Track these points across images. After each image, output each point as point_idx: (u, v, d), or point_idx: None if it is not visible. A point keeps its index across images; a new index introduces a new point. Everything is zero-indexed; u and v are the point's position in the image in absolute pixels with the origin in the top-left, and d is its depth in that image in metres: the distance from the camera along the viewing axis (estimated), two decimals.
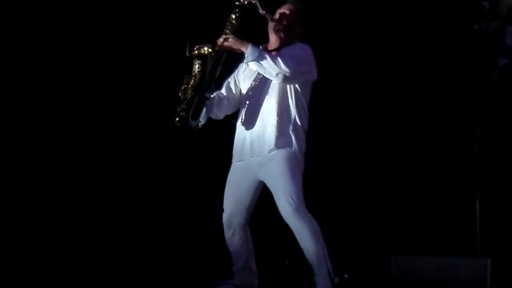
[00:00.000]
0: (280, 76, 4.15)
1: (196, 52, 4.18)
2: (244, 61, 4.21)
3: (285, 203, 4.16)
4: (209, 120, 4.32)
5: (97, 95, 5.56)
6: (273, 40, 4.38)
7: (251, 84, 4.37)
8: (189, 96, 4.17)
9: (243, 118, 4.34)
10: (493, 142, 4.73)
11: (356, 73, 5.60)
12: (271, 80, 4.24)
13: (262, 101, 4.30)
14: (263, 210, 4.44)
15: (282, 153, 4.23)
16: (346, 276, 4.22)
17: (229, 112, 4.44)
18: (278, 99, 4.26)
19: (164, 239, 5.47)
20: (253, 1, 4.24)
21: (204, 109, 4.23)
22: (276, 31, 4.34)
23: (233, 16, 4.28)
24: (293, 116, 4.27)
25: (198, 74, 4.19)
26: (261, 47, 4.28)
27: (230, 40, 4.21)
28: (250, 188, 4.33)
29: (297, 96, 4.29)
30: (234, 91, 4.45)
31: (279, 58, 4.14)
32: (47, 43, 5.47)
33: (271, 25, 4.35)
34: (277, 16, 4.36)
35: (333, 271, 4.14)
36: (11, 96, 5.40)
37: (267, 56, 4.15)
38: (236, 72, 4.48)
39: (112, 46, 5.56)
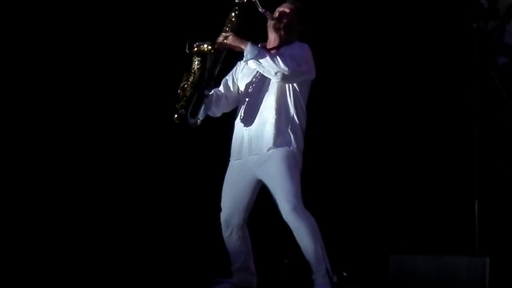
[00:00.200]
0: (279, 75, 4.15)
1: (195, 49, 4.18)
2: (243, 60, 4.20)
3: (284, 201, 4.16)
4: (207, 118, 4.31)
5: (95, 92, 5.55)
6: (272, 39, 4.37)
7: (250, 83, 4.36)
8: (188, 94, 4.17)
9: (242, 116, 4.34)
10: (492, 142, 4.74)
11: (355, 72, 5.59)
12: (270, 79, 4.24)
13: (261, 100, 4.29)
14: (261, 209, 4.44)
15: (280, 152, 4.22)
16: (344, 274, 4.22)
17: (227, 110, 4.44)
18: (277, 97, 4.26)
19: (162, 239, 5.46)
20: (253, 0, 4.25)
21: (203, 107, 4.23)
22: (275, 30, 4.34)
23: (233, 14, 4.28)
24: (292, 115, 4.27)
25: (198, 72, 4.19)
26: (259, 46, 4.28)
27: (229, 38, 4.20)
28: (248, 187, 4.33)
29: (296, 95, 4.29)
30: (232, 89, 4.44)
31: (278, 57, 4.13)
32: (44, 40, 5.46)
33: (270, 23, 4.34)
34: (276, 14, 4.35)
35: (331, 270, 4.14)
36: (11, 96, 5.38)
37: (266, 54, 4.15)
38: (234, 70, 4.47)
39: (111, 43, 5.55)
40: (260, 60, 4.14)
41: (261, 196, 4.38)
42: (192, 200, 5.51)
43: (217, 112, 4.39)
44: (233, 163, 4.37)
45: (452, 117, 5.26)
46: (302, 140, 4.30)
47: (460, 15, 4.81)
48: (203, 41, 4.18)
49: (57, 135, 5.48)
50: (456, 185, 5.13)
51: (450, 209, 5.21)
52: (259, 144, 4.26)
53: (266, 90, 4.29)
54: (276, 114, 4.24)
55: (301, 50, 4.29)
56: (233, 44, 4.20)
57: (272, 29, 4.35)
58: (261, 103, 4.29)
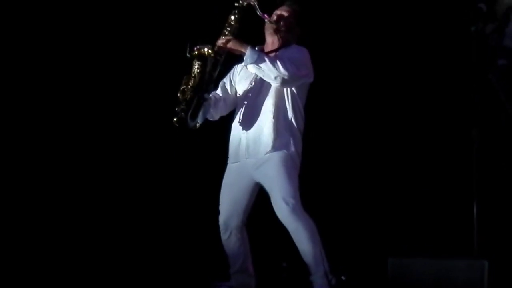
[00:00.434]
0: (279, 79, 4.15)
1: (196, 52, 4.19)
2: (243, 64, 4.20)
3: (282, 204, 4.16)
4: (205, 121, 4.31)
5: (96, 95, 5.56)
6: (270, 42, 4.37)
7: (248, 86, 4.36)
8: (188, 97, 4.17)
9: (239, 119, 4.34)
10: (490, 144, 4.74)
11: (353, 75, 5.60)
12: (268, 82, 4.24)
13: (259, 103, 4.29)
14: (259, 211, 4.44)
15: (278, 155, 4.22)
16: (343, 278, 4.22)
17: (225, 113, 4.44)
18: (275, 100, 4.26)
19: (160, 241, 5.46)
20: (252, 3, 4.24)
21: (202, 110, 4.23)
22: (274, 33, 4.34)
23: (232, 18, 4.28)
24: (290, 118, 4.27)
25: (198, 75, 4.19)
26: (257, 48, 4.28)
27: (230, 41, 4.21)
28: (246, 190, 4.33)
29: (294, 97, 4.29)
30: (229, 92, 4.44)
31: (278, 61, 4.13)
32: (46, 43, 5.47)
33: (268, 26, 4.34)
34: (274, 17, 4.35)
35: (330, 272, 4.13)
36: (10, 96, 5.38)
37: (266, 59, 4.15)
38: (231, 72, 4.47)
39: (111, 46, 5.56)
40: (260, 65, 4.14)
41: (259, 198, 4.38)
42: (190, 202, 5.51)
43: (215, 115, 4.40)
44: (231, 166, 4.37)
45: (451, 119, 5.26)
46: (300, 143, 4.30)
47: (458, 18, 4.82)
48: (203, 44, 4.19)
49: (59, 137, 5.49)
50: (454, 187, 5.14)
51: (448, 212, 5.21)
52: (256, 147, 4.26)
53: (264, 93, 4.28)
54: (274, 117, 4.24)
55: (300, 53, 4.29)
56: (233, 47, 4.20)
57: (270, 32, 4.34)
58: (259, 106, 4.29)
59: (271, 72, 4.13)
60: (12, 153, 5.37)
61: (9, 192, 5.31)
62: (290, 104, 4.28)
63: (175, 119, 4.17)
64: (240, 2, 4.28)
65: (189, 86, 4.18)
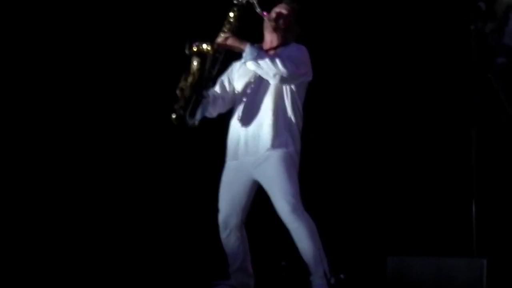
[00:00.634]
0: (278, 77, 4.15)
1: (195, 49, 4.18)
2: (242, 61, 4.20)
3: (283, 203, 4.15)
4: (203, 119, 4.31)
5: (94, 93, 5.54)
6: (268, 40, 4.36)
7: (246, 84, 4.35)
8: (187, 94, 4.17)
9: (238, 117, 4.33)
10: (490, 143, 4.74)
11: (352, 74, 5.59)
12: (267, 80, 4.23)
13: (258, 101, 4.29)
14: (258, 210, 4.43)
15: (277, 153, 4.22)
16: (342, 276, 4.21)
17: (223, 111, 4.43)
18: (274, 99, 4.25)
19: (159, 240, 5.45)
20: (251, 0, 4.24)
21: (201, 107, 4.23)
22: (273, 31, 4.33)
23: (231, 15, 4.27)
24: (289, 116, 4.26)
25: (197, 72, 4.19)
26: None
27: (229, 38, 4.21)
28: (245, 188, 4.32)
29: (293, 96, 4.28)
30: (228, 90, 4.43)
31: (277, 59, 4.12)
32: (43, 40, 5.45)
33: (267, 24, 4.33)
34: (273, 15, 4.34)
35: (329, 271, 4.13)
36: (9, 96, 5.38)
37: (265, 56, 4.14)
38: (229, 70, 4.45)
39: (109, 43, 5.54)
40: (259, 62, 4.13)
41: (258, 197, 4.37)
42: (189, 201, 5.51)
43: (213, 112, 4.39)
44: (229, 164, 4.37)
45: (450, 118, 5.26)
46: (299, 141, 4.29)
47: (457, 17, 4.82)
48: (202, 41, 4.19)
49: (56, 135, 5.47)
50: (453, 186, 5.13)
51: (447, 211, 5.21)
52: (255, 145, 4.25)
53: (263, 91, 4.28)
54: (273, 115, 4.24)
55: (299, 52, 4.29)
56: (232, 44, 4.20)
57: (269, 30, 4.33)
58: (258, 104, 4.28)
59: (270, 70, 4.13)
60: (10, 153, 5.36)
61: (9, 192, 5.30)
62: (289, 102, 4.27)
63: (173, 117, 4.17)
64: None
65: (188, 84, 4.18)
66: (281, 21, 4.33)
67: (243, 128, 4.29)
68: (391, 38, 5.49)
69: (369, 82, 5.56)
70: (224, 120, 4.43)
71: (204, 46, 4.18)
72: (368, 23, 5.53)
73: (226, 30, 4.24)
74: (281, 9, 4.35)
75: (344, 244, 5.20)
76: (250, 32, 4.30)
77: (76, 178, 5.48)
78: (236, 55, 4.25)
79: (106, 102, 5.55)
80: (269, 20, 4.31)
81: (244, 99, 4.34)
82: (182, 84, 4.19)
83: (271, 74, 4.14)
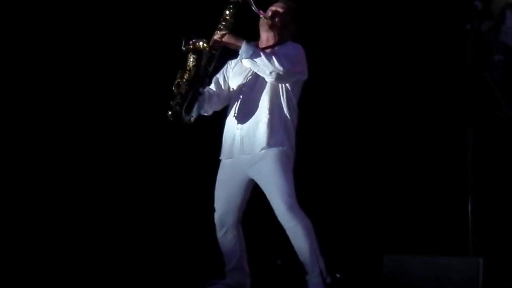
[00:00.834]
0: (274, 74, 4.14)
1: (191, 46, 4.18)
2: (238, 58, 4.19)
3: (279, 201, 4.15)
4: (198, 117, 4.30)
5: (90, 90, 5.53)
6: (264, 38, 4.36)
7: (242, 82, 4.35)
8: (183, 91, 4.16)
9: (234, 115, 4.32)
10: (485, 142, 4.74)
11: (348, 73, 5.59)
12: (262, 78, 4.23)
13: (253, 99, 4.28)
14: (254, 209, 4.43)
15: (273, 152, 4.22)
16: (338, 275, 4.22)
17: (218, 108, 4.43)
18: (270, 97, 4.25)
19: (155, 239, 5.44)
20: None
21: (196, 104, 4.23)
22: (269, 29, 4.33)
23: (228, 12, 4.27)
24: (285, 114, 4.26)
25: (193, 69, 4.19)
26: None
27: (225, 36, 4.20)
28: (241, 186, 4.32)
29: (288, 94, 4.28)
30: (223, 87, 4.43)
31: (273, 57, 4.12)
32: (39, 39, 5.44)
33: (263, 22, 4.33)
34: (269, 13, 4.33)
35: (325, 270, 4.13)
36: (7, 95, 5.37)
37: (261, 54, 4.14)
38: (225, 68, 4.46)
39: (105, 41, 5.53)
40: (255, 59, 4.13)
41: (253, 196, 4.37)
42: (185, 200, 5.50)
43: (209, 110, 4.38)
44: (224, 162, 4.36)
45: (446, 117, 5.26)
46: (294, 139, 4.29)
47: (453, 16, 4.82)
48: (198, 38, 4.18)
49: (52, 134, 5.46)
50: (449, 185, 5.14)
51: (443, 210, 5.22)
52: (251, 144, 4.25)
53: (259, 90, 4.27)
54: (269, 113, 4.23)
55: (295, 50, 4.29)
56: (229, 41, 4.19)
57: (265, 28, 4.33)
58: (253, 102, 4.28)
59: (266, 67, 4.13)
60: (8, 152, 5.35)
61: (6, 192, 5.29)
62: (285, 101, 4.27)
63: (169, 113, 4.16)
64: None
65: (184, 80, 4.18)
66: (277, 19, 4.33)
67: (239, 126, 4.28)
68: (387, 37, 5.50)
69: (365, 80, 5.56)
70: (219, 118, 4.42)
71: (201, 43, 4.18)
72: (364, 22, 5.53)
73: (222, 28, 4.24)
74: (277, 7, 4.35)
75: (340, 243, 5.20)
76: (246, 30, 4.30)
77: (72, 177, 5.47)
78: (233, 53, 4.24)
79: (102, 100, 5.54)
80: (265, 18, 4.31)
81: (240, 97, 4.33)
82: (178, 80, 4.19)
83: (267, 72, 4.14)
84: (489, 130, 4.82)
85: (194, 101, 4.19)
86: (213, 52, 4.20)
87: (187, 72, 4.19)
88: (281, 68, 4.12)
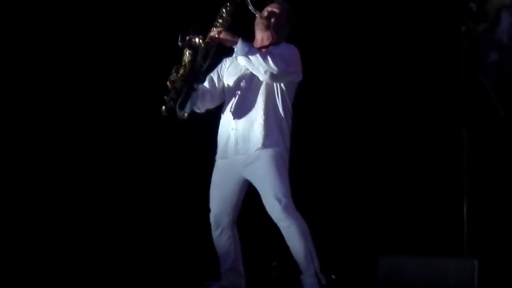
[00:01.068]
0: (268, 73, 4.14)
1: (187, 42, 4.18)
2: (234, 55, 4.20)
3: (274, 202, 4.15)
4: (193, 116, 4.30)
5: (85, 89, 5.52)
6: (259, 38, 4.37)
7: (236, 81, 4.35)
8: (178, 86, 4.16)
9: (228, 115, 4.32)
10: (480, 144, 4.74)
11: (342, 75, 5.59)
12: (257, 79, 4.23)
13: (248, 99, 4.29)
14: (249, 210, 4.42)
15: (268, 153, 4.22)
16: (333, 276, 4.21)
17: (211, 106, 4.43)
18: (265, 98, 4.25)
19: (150, 240, 5.44)
20: None
21: (190, 100, 4.22)
22: (264, 29, 4.33)
23: (224, 10, 4.27)
24: (280, 115, 4.27)
25: (188, 64, 4.19)
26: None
27: (222, 33, 4.20)
28: (235, 187, 4.32)
29: (283, 95, 4.28)
30: (217, 86, 4.43)
31: (268, 56, 4.13)
32: (35, 37, 5.44)
33: (258, 22, 4.34)
34: (265, 14, 4.34)
35: (320, 271, 4.13)
36: (6, 95, 5.37)
37: (257, 52, 4.15)
38: (219, 66, 4.46)
39: (102, 39, 5.52)
40: (250, 57, 4.13)
41: (249, 197, 4.36)
42: (180, 201, 5.49)
43: (202, 107, 4.38)
44: (219, 162, 4.36)
45: (441, 119, 5.26)
46: (289, 140, 4.30)
47: (448, 17, 4.82)
48: (194, 34, 4.18)
49: (48, 133, 5.45)
50: (444, 186, 5.14)
51: (438, 211, 5.22)
52: (246, 145, 4.25)
53: (253, 90, 4.28)
54: (264, 114, 4.23)
55: (290, 51, 4.29)
56: (225, 38, 4.19)
57: (260, 28, 4.34)
58: (248, 102, 4.28)
59: (261, 66, 4.13)
60: (6, 152, 5.35)
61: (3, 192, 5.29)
62: (280, 102, 4.27)
63: (163, 108, 4.16)
64: None
65: (179, 75, 4.18)
66: (273, 20, 4.34)
67: (233, 127, 4.29)
68: (382, 39, 5.50)
69: (360, 82, 5.56)
70: (214, 118, 4.42)
71: (197, 39, 4.18)
72: (359, 23, 5.53)
73: (218, 25, 4.25)
74: (273, 8, 4.36)
75: (335, 243, 5.20)
76: (241, 30, 4.30)
77: (66, 175, 5.45)
78: (228, 51, 4.24)
79: (98, 99, 5.53)
80: (261, 18, 4.31)
81: (235, 97, 4.33)
82: (173, 76, 4.19)
83: (262, 70, 4.14)
84: (484, 131, 4.82)
85: (188, 97, 4.19)
86: (209, 48, 4.20)
87: (183, 67, 4.19)
88: (275, 68, 4.12)
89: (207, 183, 4.37)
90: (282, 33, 4.38)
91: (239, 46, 4.14)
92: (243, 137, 4.26)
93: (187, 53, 4.18)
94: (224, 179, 4.32)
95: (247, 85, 4.30)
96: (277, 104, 4.26)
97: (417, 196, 5.32)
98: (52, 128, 5.47)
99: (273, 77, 4.16)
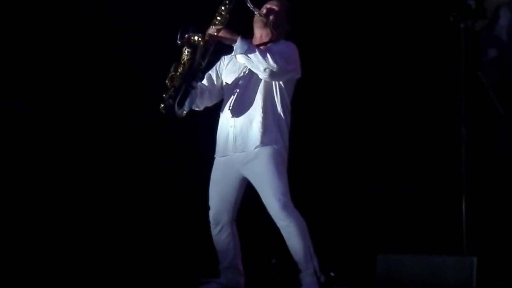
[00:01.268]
0: (268, 71, 4.15)
1: (186, 40, 4.17)
2: (233, 53, 4.20)
3: (273, 200, 4.15)
4: (192, 114, 4.29)
5: (83, 89, 5.52)
6: (258, 35, 4.38)
7: (235, 79, 4.36)
8: (177, 84, 4.16)
9: (227, 113, 4.32)
10: (479, 141, 4.74)
11: (341, 73, 5.60)
12: (256, 76, 4.23)
13: (247, 97, 4.29)
14: (248, 208, 4.42)
15: (267, 150, 4.22)
16: (332, 274, 4.21)
17: (209, 104, 4.44)
18: (264, 95, 4.26)
19: (149, 238, 5.43)
20: None
21: (189, 98, 4.22)
22: (263, 27, 4.33)
23: (223, 8, 4.28)
24: (278, 113, 4.27)
25: (187, 62, 4.20)
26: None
27: (221, 31, 4.20)
28: (235, 184, 4.32)
29: (282, 92, 4.29)
30: (215, 83, 4.44)
31: (268, 54, 4.13)
32: (32, 35, 5.43)
33: (257, 19, 4.34)
34: (264, 11, 4.34)
35: (319, 269, 4.13)
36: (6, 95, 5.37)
37: (256, 50, 4.15)
38: (218, 64, 4.46)
39: (100, 38, 5.52)
40: (250, 55, 4.13)
41: (247, 195, 4.36)
42: (179, 198, 5.49)
43: (200, 105, 4.39)
44: (218, 160, 4.37)
45: (440, 117, 5.26)
46: (287, 138, 4.30)
47: (447, 15, 4.82)
48: (194, 32, 4.18)
49: (48, 133, 5.44)
50: (443, 184, 5.14)
51: (437, 209, 5.22)
52: (244, 142, 4.25)
53: (252, 88, 4.28)
54: (263, 112, 4.24)
55: (289, 48, 4.30)
56: (224, 36, 4.20)
57: (259, 25, 4.35)
58: (247, 100, 4.28)
59: (260, 64, 4.13)
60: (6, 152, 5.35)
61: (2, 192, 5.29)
62: (279, 99, 4.28)
63: (162, 106, 4.16)
64: None
65: (178, 73, 4.18)
66: (271, 17, 4.34)
67: (232, 124, 4.29)
68: (380, 37, 5.50)
69: (359, 80, 5.57)
70: (213, 115, 4.42)
71: (196, 37, 4.18)
72: (357, 21, 5.54)
73: (217, 22, 4.25)
74: (272, 5, 4.37)
75: (334, 242, 5.20)
76: (240, 27, 4.30)
77: (67, 176, 5.45)
78: (227, 49, 4.24)
79: (97, 98, 5.52)
80: (260, 15, 4.31)
81: (233, 95, 4.34)
82: (172, 73, 4.19)
83: (261, 68, 4.14)
84: (483, 129, 4.83)
85: (187, 94, 4.19)
86: (208, 46, 4.21)
87: (181, 65, 4.20)
88: (275, 65, 4.12)
89: (206, 181, 4.37)
90: (281, 30, 4.38)
91: (238, 44, 4.15)
92: (242, 134, 4.26)
93: (186, 51, 4.19)
94: (223, 177, 4.32)
95: (246, 83, 4.31)
96: (275, 102, 4.27)
97: (416, 194, 5.32)
98: (52, 128, 5.46)
99: (273, 74, 4.16)
